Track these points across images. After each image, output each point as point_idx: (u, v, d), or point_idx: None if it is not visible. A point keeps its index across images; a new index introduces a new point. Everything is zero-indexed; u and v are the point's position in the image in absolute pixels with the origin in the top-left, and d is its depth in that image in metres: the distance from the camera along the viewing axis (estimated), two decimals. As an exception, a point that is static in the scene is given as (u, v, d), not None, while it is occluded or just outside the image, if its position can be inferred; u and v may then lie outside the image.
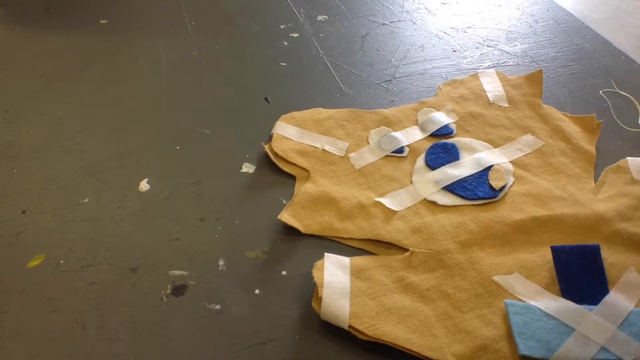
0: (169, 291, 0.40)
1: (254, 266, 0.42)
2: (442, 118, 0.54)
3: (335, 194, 0.46)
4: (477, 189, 0.47)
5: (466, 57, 0.66)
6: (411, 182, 0.48)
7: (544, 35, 0.71)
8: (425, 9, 0.76)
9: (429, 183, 0.48)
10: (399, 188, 0.48)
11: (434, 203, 0.47)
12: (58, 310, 0.39)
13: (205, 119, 0.55)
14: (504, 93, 0.58)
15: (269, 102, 0.58)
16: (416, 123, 0.54)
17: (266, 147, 0.50)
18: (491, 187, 0.47)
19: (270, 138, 0.52)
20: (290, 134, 0.52)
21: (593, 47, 0.69)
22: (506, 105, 0.57)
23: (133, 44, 0.66)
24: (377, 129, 0.53)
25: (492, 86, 0.59)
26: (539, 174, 0.50)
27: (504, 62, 0.65)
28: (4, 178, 0.48)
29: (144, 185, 0.48)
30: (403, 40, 0.69)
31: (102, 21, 0.70)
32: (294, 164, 0.49)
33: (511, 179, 0.49)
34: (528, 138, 0.53)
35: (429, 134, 0.53)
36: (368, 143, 0.52)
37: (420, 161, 0.50)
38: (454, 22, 0.73)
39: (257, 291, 0.40)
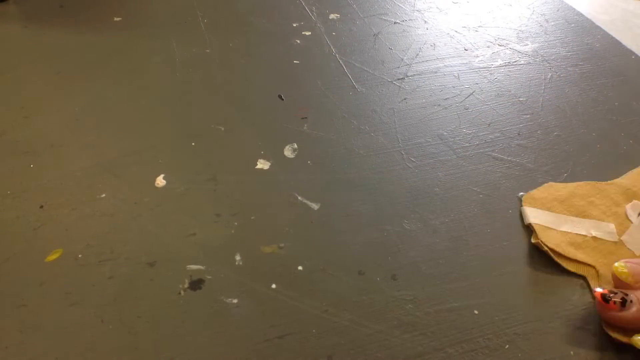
0: (186, 285, 0.40)
1: (270, 261, 0.42)
2: None
3: None
4: None
5: (478, 56, 0.66)
6: None
7: (555, 35, 0.71)
8: (437, 7, 0.76)
9: None
10: None
11: None
12: (77, 303, 0.39)
13: (220, 116, 0.56)
14: None
15: (282, 99, 0.58)
16: None
17: (538, 241, 0.45)
18: None
19: (530, 231, 0.46)
20: (547, 221, 0.48)
21: (603, 46, 0.69)
22: None
23: (147, 42, 0.67)
24: (630, 203, 0.49)
25: None
26: None
27: (515, 61, 0.65)
28: (21, 173, 0.49)
29: (160, 181, 0.48)
30: (415, 39, 0.69)
31: (115, 19, 0.71)
32: (576, 261, 0.45)
33: None
34: None
35: None
36: (629, 221, 0.48)
37: None
38: (465, 21, 0.73)
39: (273, 286, 0.41)
